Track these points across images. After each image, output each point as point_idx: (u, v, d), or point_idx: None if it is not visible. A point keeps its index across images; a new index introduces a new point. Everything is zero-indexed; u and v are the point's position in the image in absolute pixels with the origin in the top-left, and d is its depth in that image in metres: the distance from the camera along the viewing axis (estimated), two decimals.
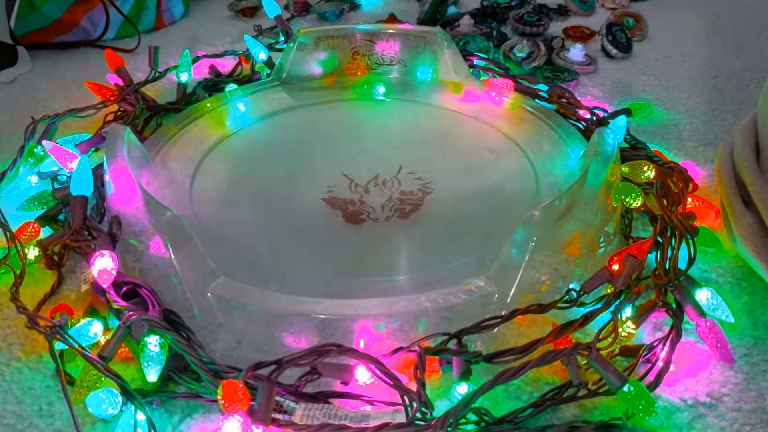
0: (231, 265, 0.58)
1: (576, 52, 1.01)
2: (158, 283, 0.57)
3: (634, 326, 0.54)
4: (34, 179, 0.75)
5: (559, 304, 0.54)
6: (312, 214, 0.67)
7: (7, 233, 0.63)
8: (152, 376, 0.50)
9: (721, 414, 0.51)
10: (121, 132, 0.69)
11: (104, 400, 0.48)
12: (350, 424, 0.46)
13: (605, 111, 0.84)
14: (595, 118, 0.81)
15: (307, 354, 0.47)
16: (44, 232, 0.66)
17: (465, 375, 0.50)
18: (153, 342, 0.51)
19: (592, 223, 0.62)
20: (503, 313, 0.53)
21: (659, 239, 0.62)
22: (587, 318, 0.53)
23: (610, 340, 0.53)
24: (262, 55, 0.94)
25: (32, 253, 0.64)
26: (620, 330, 0.53)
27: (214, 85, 0.93)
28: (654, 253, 0.61)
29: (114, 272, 0.55)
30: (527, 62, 1.00)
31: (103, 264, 0.54)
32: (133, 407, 0.48)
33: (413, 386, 0.47)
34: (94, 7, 1.07)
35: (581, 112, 0.82)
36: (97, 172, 0.70)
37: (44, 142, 0.75)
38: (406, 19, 1.15)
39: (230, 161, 0.75)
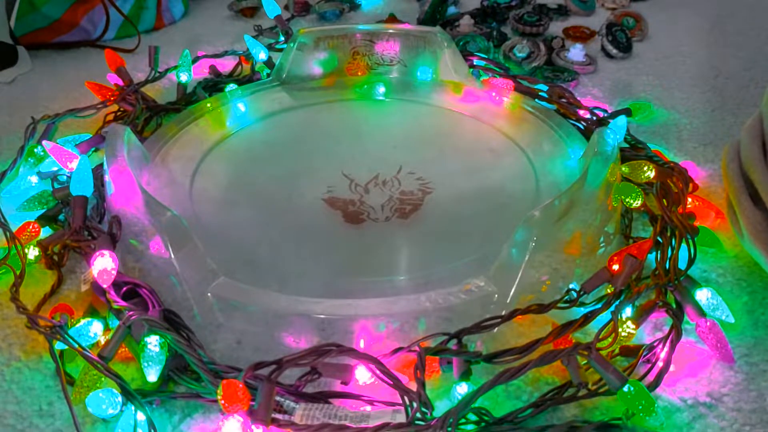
0: (231, 265, 0.58)
1: (576, 52, 1.01)
2: (158, 283, 0.57)
3: (634, 326, 0.54)
4: (34, 179, 0.75)
5: (559, 304, 0.54)
6: (312, 214, 0.67)
7: (7, 233, 0.63)
8: (152, 376, 0.50)
9: (721, 414, 0.51)
10: (121, 132, 0.69)
11: (104, 400, 0.48)
12: (350, 424, 0.46)
13: (605, 111, 0.84)
14: (595, 118, 0.81)
15: (307, 354, 0.47)
16: (44, 232, 0.66)
17: (465, 375, 0.50)
18: (153, 342, 0.51)
19: (592, 223, 0.62)
20: (503, 313, 0.53)
21: (659, 239, 0.62)
22: (587, 318, 0.53)
23: (610, 340, 0.53)
24: (262, 55, 0.94)
25: (32, 253, 0.64)
26: (620, 330, 0.53)
27: (214, 85, 0.93)
28: (654, 253, 0.61)
29: (114, 272, 0.55)
30: (527, 62, 1.00)
31: (103, 264, 0.54)
32: (133, 407, 0.48)
33: (413, 386, 0.47)
34: (94, 7, 1.07)
35: (581, 112, 0.82)
36: (97, 172, 0.70)
37: (44, 142, 0.75)
38: (406, 19, 1.15)
39: (230, 161, 0.75)
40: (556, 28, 1.14)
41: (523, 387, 0.53)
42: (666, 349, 0.53)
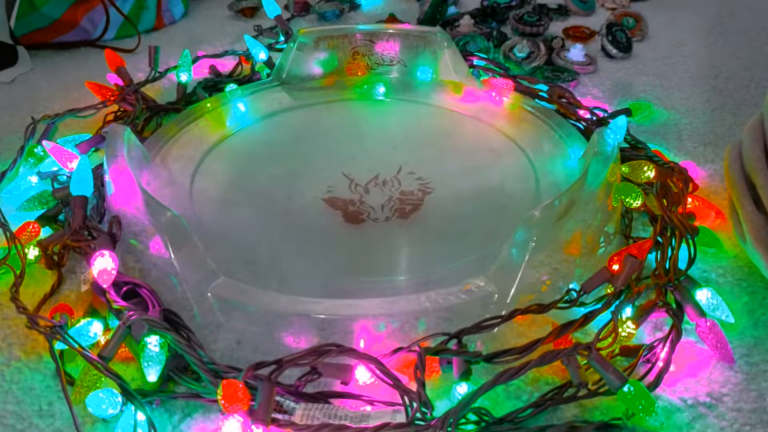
0: (231, 265, 0.58)
1: (576, 52, 1.01)
2: (158, 283, 0.57)
3: (634, 326, 0.54)
4: (34, 179, 0.75)
5: (559, 304, 0.54)
6: (312, 214, 0.67)
7: (7, 233, 0.63)
8: (152, 376, 0.50)
9: (721, 414, 0.51)
10: (121, 132, 0.69)
11: (104, 400, 0.48)
12: (350, 424, 0.46)
13: (605, 111, 0.84)
14: (595, 118, 0.81)
15: (307, 354, 0.47)
16: (44, 232, 0.66)
17: (465, 375, 0.50)
18: (153, 342, 0.51)
19: (592, 223, 0.62)
20: (503, 313, 0.53)
21: (659, 239, 0.62)
22: (587, 318, 0.53)
23: (610, 340, 0.53)
24: (262, 55, 0.94)
25: (32, 253, 0.64)
26: (620, 330, 0.53)
27: (214, 85, 0.93)
28: (654, 253, 0.61)
29: (114, 272, 0.55)
30: (527, 62, 1.00)
31: (103, 264, 0.54)
32: (133, 407, 0.48)
33: (413, 386, 0.47)
34: (94, 7, 1.07)
35: (581, 112, 0.82)
36: (97, 172, 0.70)
37: (44, 142, 0.75)
38: (406, 19, 1.15)
39: (230, 161, 0.75)
40: (556, 28, 1.14)
41: (523, 387, 0.53)
42: (666, 349, 0.53)
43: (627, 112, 0.86)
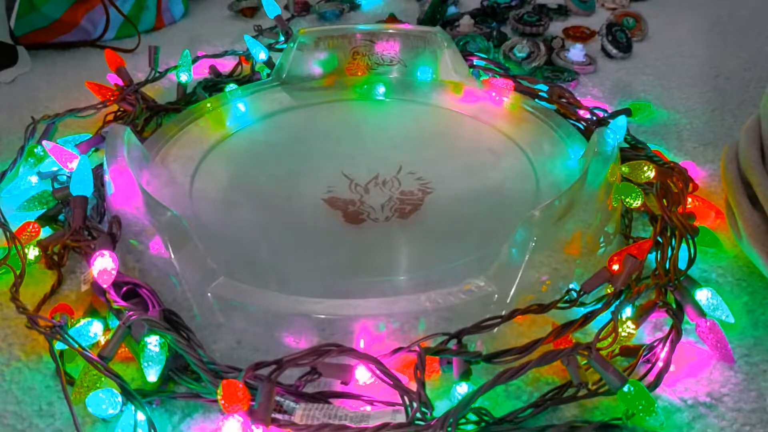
0: (231, 265, 0.58)
1: (576, 52, 1.01)
2: (158, 283, 0.57)
3: (634, 326, 0.54)
4: (34, 179, 0.75)
5: (559, 304, 0.54)
6: (312, 214, 0.67)
7: (7, 233, 0.63)
8: (152, 376, 0.50)
9: (721, 414, 0.51)
10: (121, 132, 0.69)
11: (104, 400, 0.48)
12: (350, 424, 0.46)
13: (605, 111, 0.84)
14: (595, 118, 0.81)
15: (307, 354, 0.47)
16: (44, 232, 0.66)
17: (465, 375, 0.50)
18: (153, 342, 0.51)
19: (592, 223, 0.62)
20: (503, 313, 0.53)
21: (659, 239, 0.62)
22: (587, 318, 0.53)
23: (610, 340, 0.53)
24: (262, 55, 0.94)
25: (32, 253, 0.64)
26: (620, 330, 0.53)
27: (214, 85, 0.93)
28: (654, 253, 0.61)
29: (114, 272, 0.55)
30: (527, 62, 1.00)
31: (103, 264, 0.54)
32: (133, 407, 0.48)
33: (413, 386, 0.47)
34: (94, 7, 1.07)
35: (581, 112, 0.82)
36: (97, 172, 0.70)
37: (44, 142, 0.75)
38: (406, 19, 1.15)
39: (230, 161, 0.75)
40: (556, 28, 1.14)
41: (523, 387, 0.53)
42: (666, 349, 0.53)
43: (627, 112, 0.86)
